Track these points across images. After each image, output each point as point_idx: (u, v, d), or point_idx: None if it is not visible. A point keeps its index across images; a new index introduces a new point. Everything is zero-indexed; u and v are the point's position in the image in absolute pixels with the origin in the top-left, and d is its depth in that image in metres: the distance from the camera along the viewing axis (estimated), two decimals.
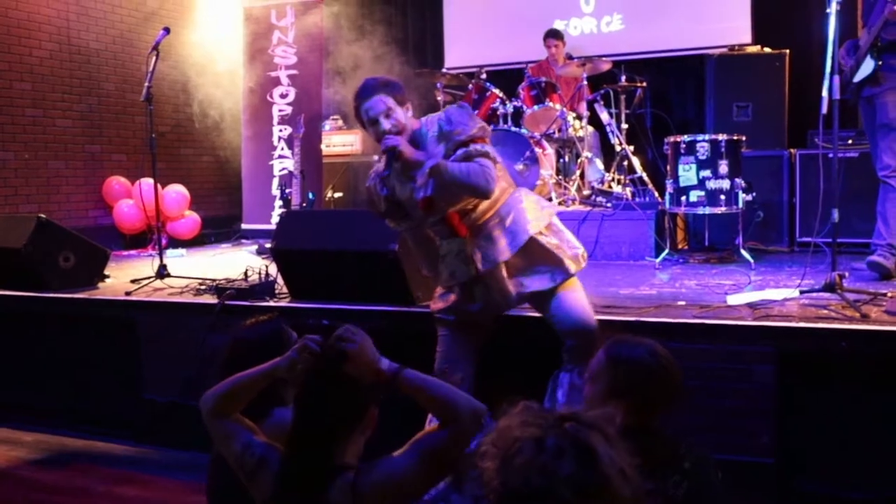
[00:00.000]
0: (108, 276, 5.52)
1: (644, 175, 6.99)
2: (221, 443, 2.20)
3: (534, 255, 3.25)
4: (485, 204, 3.25)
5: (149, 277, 5.21)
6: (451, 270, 3.35)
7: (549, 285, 3.24)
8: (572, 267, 3.25)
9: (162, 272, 5.27)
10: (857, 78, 4.57)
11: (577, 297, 3.29)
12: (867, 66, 4.50)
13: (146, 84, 5.38)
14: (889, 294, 3.82)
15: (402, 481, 1.94)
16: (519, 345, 3.77)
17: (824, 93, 3.81)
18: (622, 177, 6.99)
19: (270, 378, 2.19)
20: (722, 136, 5.56)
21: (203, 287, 4.93)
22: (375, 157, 3.54)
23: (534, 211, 3.29)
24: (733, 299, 3.91)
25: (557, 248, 3.25)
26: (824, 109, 3.82)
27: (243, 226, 8.37)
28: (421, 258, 3.64)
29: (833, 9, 3.85)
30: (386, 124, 3.16)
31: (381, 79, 3.29)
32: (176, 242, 8.04)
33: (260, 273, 4.74)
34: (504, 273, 3.26)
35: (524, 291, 3.27)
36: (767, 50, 7.18)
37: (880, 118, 4.53)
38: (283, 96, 8.05)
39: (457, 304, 3.36)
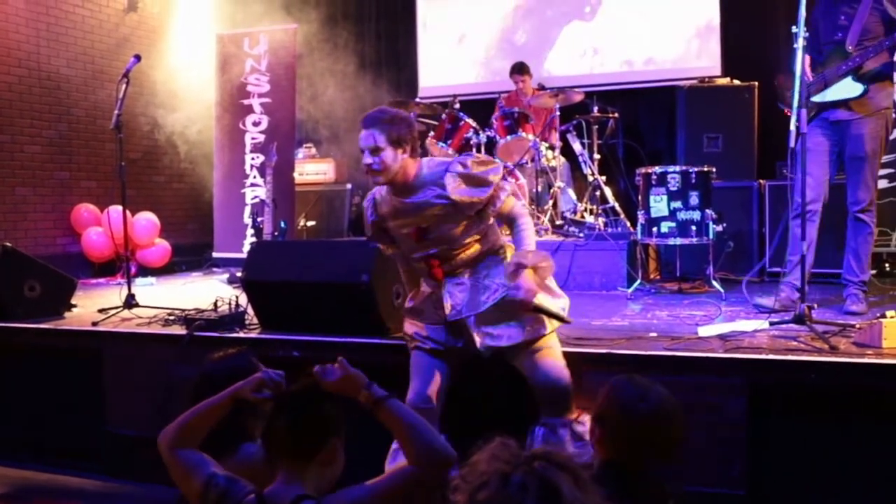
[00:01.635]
0: (74, 306, 5.44)
1: (616, 205, 7.04)
2: (182, 479, 2.17)
3: (509, 309, 3.21)
4: (468, 253, 3.29)
5: (116, 307, 5.14)
6: (421, 310, 3.40)
7: (521, 339, 3.22)
8: (548, 326, 3.25)
9: (130, 302, 5.20)
10: (827, 98, 4.43)
11: (550, 355, 3.26)
12: (848, 89, 4.37)
13: (116, 112, 5.33)
14: (857, 325, 3.84)
15: None
16: (502, 375, 3.75)
17: (792, 126, 3.85)
18: (594, 207, 7.03)
19: (232, 401, 2.18)
20: (692, 168, 5.61)
21: (172, 317, 4.87)
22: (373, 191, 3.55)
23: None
24: (704, 331, 3.92)
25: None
26: (792, 143, 3.86)
27: (214, 254, 8.30)
28: (406, 279, 3.67)
29: (800, 44, 3.90)
30: (369, 159, 3.19)
31: (387, 114, 3.25)
32: (146, 270, 7.95)
33: (230, 303, 4.69)
34: (474, 324, 3.28)
35: (493, 345, 3.25)
36: (737, 82, 7.26)
37: (853, 149, 4.45)
38: (255, 124, 8.03)
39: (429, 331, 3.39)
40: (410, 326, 3.48)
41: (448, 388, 3.39)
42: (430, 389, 3.31)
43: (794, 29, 3.95)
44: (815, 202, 4.45)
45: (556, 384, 3.20)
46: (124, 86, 5.40)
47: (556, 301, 3.32)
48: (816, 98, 4.41)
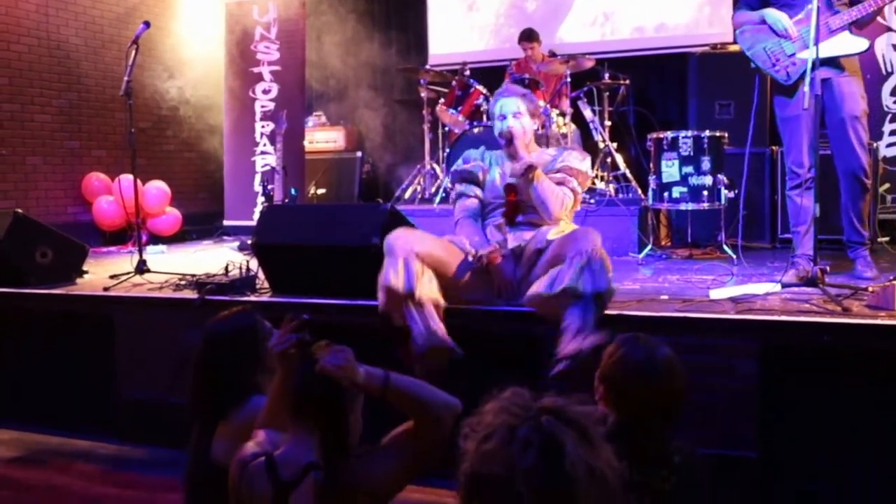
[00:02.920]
0: (86, 272, 5.45)
1: (627, 172, 7.00)
2: None
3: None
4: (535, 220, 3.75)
5: (128, 273, 5.16)
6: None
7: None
8: None
9: (141, 267, 5.21)
10: (826, 53, 4.13)
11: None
12: (851, 44, 4.20)
13: (125, 78, 5.31)
14: (870, 289, 3.82)
15: (380, 483, 1.91)
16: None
17: (805, 88, 3.80)
18: (605, 174, 6.99)
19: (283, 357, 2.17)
20: (704, 133, 5.57)
21: (183, 282, 4.88)
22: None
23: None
24: (716, 293, 3.91)
25: None
26: (806, 104, 3.82)
27: (225, 222, 8.31)
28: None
29: (814, 5, 3.84)
30: (512, 121, 3.78)
31: (523, 89, 4.04)
32: (156, 239, 7.97)
33: (241, 268, 4.70)
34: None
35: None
36: None
37: (849, 109, 4.27)
38: (265, 92, 8.01)
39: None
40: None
41: None
42: None
43: None
44: (812, 168, 4.30)
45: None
46: (134, 52, 5.38)
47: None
48: (803, 55, 4.17)
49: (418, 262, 3.43)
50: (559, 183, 3.75)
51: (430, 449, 1.97)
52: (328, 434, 1.99)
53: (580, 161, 3.84)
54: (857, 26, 4.25)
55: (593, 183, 6.81)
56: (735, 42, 7.46)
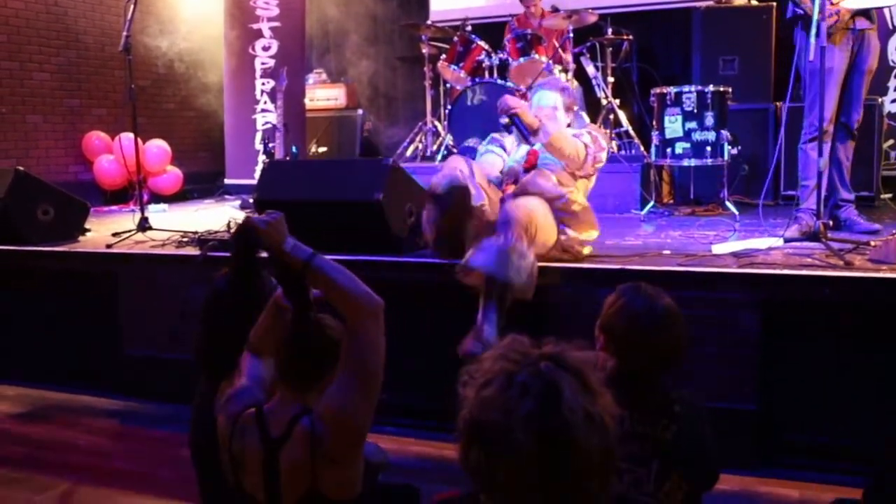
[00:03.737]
0: (88, 230, 5.45)
1: (630, 129, 6.95)
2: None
3: None
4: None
5: (130, 231, 5.16)
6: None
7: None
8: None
9: (143, 225, 5.21)
10: (867, 4, 4.19)
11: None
12: None
13: (124, 34, 5.27)
14: (872, 243, 3.82)
15: (346, 407, 1.88)
16: None
17: (812, 39, 3.76)
18: (608, 130, 6.94)
19: (275, 308, 2.16)
20: (708, 88, 5.53)
21: (185, 239, 4.88)
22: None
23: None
24: (718, 248, 3.91)
25: None
26: (811, 56, 3.78)
27: (226, 181, 8.27)
28: None
29: None
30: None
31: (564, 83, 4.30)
32: (158, 198, 7.94)
33: None
34: None
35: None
36: (754, 2, 7.10)
37: (868, 62, 4.29)
38: (265, 49, 7.92)
39: None
40: None
41: None
42: None
43: None
44: (831, 123, 4.26)
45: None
46: (132, 7, 5.33)
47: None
48: (848, 3, 4.13)
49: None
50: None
51: (367, 351, 1.91)
52: (317, 392, 1.97)
53: (596, 134, 3.96)
54: None
55: None
56: None
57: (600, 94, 7.08)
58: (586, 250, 3.79)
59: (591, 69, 7.12)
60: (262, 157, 7.50)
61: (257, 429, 1.98)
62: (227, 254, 4.23)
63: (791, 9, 4.40)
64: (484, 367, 1.42)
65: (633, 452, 2.05)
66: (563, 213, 3.68)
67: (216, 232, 4.75)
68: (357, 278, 1.99)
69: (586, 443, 1.34)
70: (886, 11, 6.43)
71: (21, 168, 5.16)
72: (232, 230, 4.68)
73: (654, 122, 5.71)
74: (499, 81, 6.85)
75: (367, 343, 1.92)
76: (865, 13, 4.20)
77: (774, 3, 6.93)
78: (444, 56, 7.30)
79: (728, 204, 5.43)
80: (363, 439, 2.01)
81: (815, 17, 3.75)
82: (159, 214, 6.78)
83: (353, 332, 1.93)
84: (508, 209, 3.44)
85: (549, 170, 3.84)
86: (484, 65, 7.11)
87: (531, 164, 3.89)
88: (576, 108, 4.08)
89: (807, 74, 4.39)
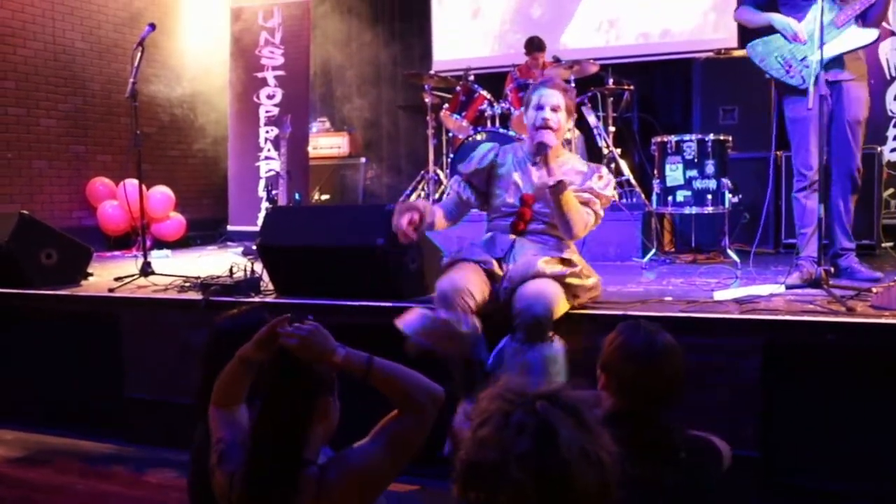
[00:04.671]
0: (91, 274, 5.46)
1: (631, 177, 7.00)
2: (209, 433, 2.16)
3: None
4: (550, 230, 3.60)
5: (132, 275, 5.16)
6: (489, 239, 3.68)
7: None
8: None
9: (146, 269, 5.22)
10: (836, 51, 4.16)
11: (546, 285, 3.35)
12: (858, 37, 4.15)
13: (131, 80, 5.35)
14: (874, 290, 3.82)
15: (368, 470, 1.90)
16: None
17: (810, 88, 3.81)
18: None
19: (242, 363, 2.09)
20: (709, 136, 5.58)
21: (187, 284, 4.89)
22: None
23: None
24: (720, 295, 3.91)
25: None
26: (810, 104, 3.82)
27: (229, 227, 8.32)
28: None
29: (820, 4, 3.84)
30: (549, 114, 3.53)
31: (565, 84, 3.80)
32: (160, 244, 7.98)
33: (245, 269, 4.71)
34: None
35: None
36: None
37: (854, 113, 4.28)
38: (269, 97, 8.03)
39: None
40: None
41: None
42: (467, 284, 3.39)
43: None
44: (821, 170, 4.18)
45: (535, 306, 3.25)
46: (139, 54, 5.41)
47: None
48: (815, 56, 4.05)
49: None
50: (584, 203, 3.55)
51: (415, 436, 1.94)
52: (282, 435, 1.93)
53: (607, 186, 3.65)
54: (866, 22, 4.20)
55: None
56: (740, 48, 7.62)
57: (602, 144, 7.15)
58: (593, 281, 3.70)
59: (592, 119, 7.20)
60: (265, 204, 7.55)
61: None
62: (230, 299, 4.30)
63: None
64: (480, 407, 1.43)
65: (633, 497, 2.02)
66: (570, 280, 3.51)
67: (218, 277, 4.76)
68: (414, 371, 2.01)
69: (583, 480, 1.34)
70: (884, 62, 6.51)
71: (25, 212, 5.19)
72: (235, 274, 4.69)
73: (656, 171, 5.75)
74: (501, 130, 6.91)
75: (419, 427, 1.95)
76: (840, 63, 4.23)
77: None
78: (446, 105, 7.38)
79: (730, 252, 5.44)
80: (377, 497, 2.02)
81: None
82: (162, 260, 6.80)
83: (416, 419, 1.95)
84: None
85: (541, 228, 3.63)
86: (486, 114, 7.18)
87: (523, 217, 3.64)
88: (575, 115, 3.79)
89: (787, 125, 4.51)
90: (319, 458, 1.99)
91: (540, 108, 3.56)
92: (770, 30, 4.46)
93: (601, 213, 3.64)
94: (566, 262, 3.49)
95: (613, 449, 1.42)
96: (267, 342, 2.00)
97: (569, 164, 3.72)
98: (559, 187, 3.40)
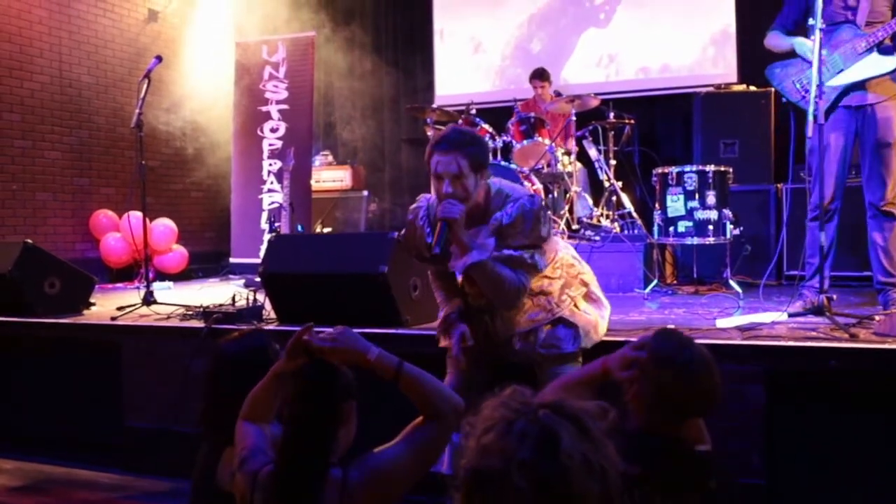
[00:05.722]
0: (93, 304, 5.47)
1: (633, 210, 7.03)
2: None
3: None
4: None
5: (134, 304, 5.17)
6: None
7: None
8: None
9: (148, 299, 5.23)
10: (852, 79, 4.17)
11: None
12: (876, 65, 4.12)
13: (137, 111, 5.40)
14: (877, 317, 3.82)
15: (391, 474, 1.93)
16: None
17: (810, 117, 3.83)
18: (610, 212, 7.02)
19: (276, 377, 2.13)
20: (710, 167, 5.61)
21: (190, 313, 4.89)
22: (424, 197, 3.34)
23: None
24: (723, 323, 3.91)
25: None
26: (809, 132, 3.83)
27: (231, 260, 8.33)
28: (438, 289, 3.49)
29: (817, 35, 3.88)
30: (450, 188, 2.99)
31: (468, 135, 3.07)
32: (162, 276, 7.98)
33: (247, 298, 4.71)
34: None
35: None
36: (753, 88, 7.26)
37: (881, 136, 4.19)
38: (273, 131, 8.08)
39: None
40: (444, 341, 3.37)
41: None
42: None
43: (810, 21, 3.93)
44: (836, 201, 4.27)
45: None
46: (145, 85, 5.47)
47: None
48: (833, 82, 4.17)
49: None
50: (511, 262, 3.07)
51: (438, 443, 1.99)
52: (312, 439, 1.97)
53: (524, 223, 3.06)
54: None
55: (598, 221, 6.84)
56: (740, 82, 7.70)
57: (603, 177, 7.18)
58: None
59: (593, 152, 7.24)
60: (267, 237, 7.56)
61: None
62: (232, 326, 4.30)
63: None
64: (484, 415, 1.43)
65: None
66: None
67: (221, 305, 4.76)
68: (439, 381, 2.08)
69: (584, 490, 1.33)
70: None
71: (29, 241, 5.22)
72: (237, 303, 4.70)
73: (657, 202, 5.77)
74: (502, 163, 6.95)
75: (442, 434, 1.99)
76: (862, 87, 4.21)
77: (773, 89, 7.07)
78: None
79: (731, 283, 5.44)
80: (399, 501, 2.03)
81: (812, 94, 3.80)
82: (164, 291, 6.80)
83: (440, 427, 1.99)
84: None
85: None
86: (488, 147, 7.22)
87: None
88: (487, 167, 3.09)
89: (807, 153, 4.47)
90: None
91: (439, 178, 3.03)
92: (795, 54, 4.44)
93: (539, 263, 3.12)
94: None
95: (617, 460, 1.41)
96: (296, 351, 2.03)
97: (487, 216, 3.14)
98: (470, 269, 3.06)
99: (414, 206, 3.34)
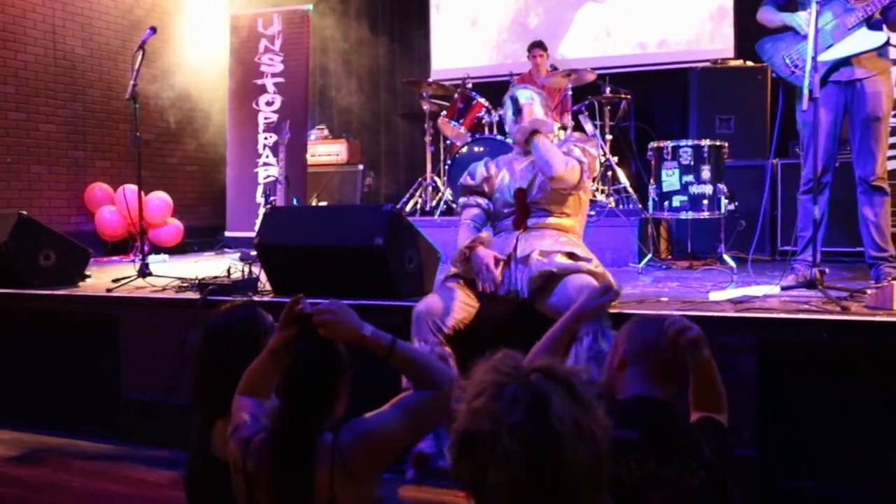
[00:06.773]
0: (88, 276, 5.47)
1: (628, 185, 7.04)
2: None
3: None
4: (552, 220, 3.68)
5: (130, 276, 5.18)
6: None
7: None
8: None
9: (144, 271, 5.23)
10: (842, 54, 4.17)
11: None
12: (867, 40, 4.12)
13: (132, 82, 5.38)
14: (868, 291, 3.84)
15: (381, 437, 1.95)
16: None
17: (805, 90, 3.83)
18: (606, 187, 7.03)
19: (272, 353, 2.14)
20: (705, 142, 5.61)
21: (185, 285, 4.90)
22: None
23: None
24: (716, 296, 3.93)
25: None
26: (804, 106, 3.84)
27: (227, 233, 8.33)
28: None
29: (814, 8, 3.87)
30: (524, 106, 3.73)
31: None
32: (158, 250, 8.00)
33: (243, 270, 4.72)
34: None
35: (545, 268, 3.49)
36: (750, 64, 7.25)
37: (870, 110, 4.20)
38: (268, 104, 8.06)
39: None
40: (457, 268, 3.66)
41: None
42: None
43: None
44: (827, 174, 4.27)
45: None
46: (140, 56, 5.44)
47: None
48: (823, 57, 4.10)
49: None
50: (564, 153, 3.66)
51: (430, 409, 2.01)
52: (311, 410, 2.00)
53: (586, 145, 3.75)
54: (888, 23, 4.19)
55: (594, 195, 6.85)
56: (737, 58, 7.68)
57: (598, 152, 7.16)
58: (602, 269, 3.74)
59: (589, 127, 7.22)
60: (262, 210, 7.56)
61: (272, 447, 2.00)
62: (227, 298, 4.31)
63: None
64: (475, 380, 1.44)
65: (661, 500, 1.93)
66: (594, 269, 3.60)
67: (216, 277, 4.77)
68: (430, 356, 2.13)
69: (574, 452, 1.35)
70: None
71: (24, 212, 5.21)
72: (232, 275, 4.71)
73: (652, 177, 5.78)
74: (498, 138, 6.95)
75: (435, 402, 2.00)
76: (852, 62, 4.21)
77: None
78: (444, 112, 7.42)
79: (725, 258, 5.46)
80: (389, 465, 2.07)
81: (807, 69, 3.80)
82: (159, 264, 6.81)
83: (434, 398, 2.01)
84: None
85: (542, 220, 3.70)
86: (484, 121, 7.22)
87: (522, 209, 3.72)
88: (552, 108, 3.96)
89: (798, 128, 4.49)
90: None
91: (515, 101, 3.79)
92: (786, 29, 4.44)
93: (585, 160, 3.66)
94: (573, 257, 3.55)
95: (607, 423, 1.43)
96: (288, 322, 2.05)
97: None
98: (533, 133, 3.66)
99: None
